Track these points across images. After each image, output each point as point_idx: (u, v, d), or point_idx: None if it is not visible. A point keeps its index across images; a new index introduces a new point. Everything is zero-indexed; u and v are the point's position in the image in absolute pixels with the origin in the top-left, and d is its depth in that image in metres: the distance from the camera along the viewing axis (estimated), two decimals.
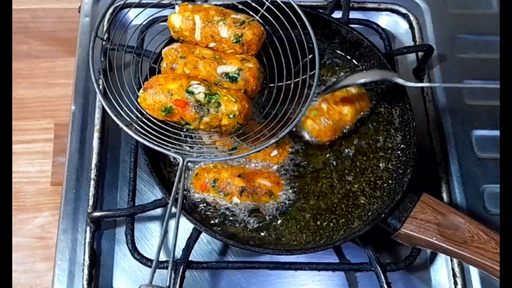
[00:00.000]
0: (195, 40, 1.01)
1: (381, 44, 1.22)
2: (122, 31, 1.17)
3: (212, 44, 1.01)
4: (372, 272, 1.00)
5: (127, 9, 1.19)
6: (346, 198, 1.05)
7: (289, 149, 1.06)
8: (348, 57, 1.18)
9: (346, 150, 1.09)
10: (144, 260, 1.00)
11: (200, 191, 1.01)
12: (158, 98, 0.92)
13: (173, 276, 0.86)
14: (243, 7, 1.06)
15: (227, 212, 1.01)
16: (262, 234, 1.01)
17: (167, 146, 0.92)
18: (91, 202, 1.06)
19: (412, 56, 1.28)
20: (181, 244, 1.00)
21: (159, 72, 1.03)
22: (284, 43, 1.04)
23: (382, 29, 1.25)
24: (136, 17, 1.11)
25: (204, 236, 1.05)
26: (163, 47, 1.03)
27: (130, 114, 0.96)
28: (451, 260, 1.06)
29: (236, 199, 1.00)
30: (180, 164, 0.89)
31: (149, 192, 1.12)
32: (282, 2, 1.04)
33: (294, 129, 1.07)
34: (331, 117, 1.06)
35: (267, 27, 1.04)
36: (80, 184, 1.09)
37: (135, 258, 1.01)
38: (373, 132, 1.11)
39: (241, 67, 0.97)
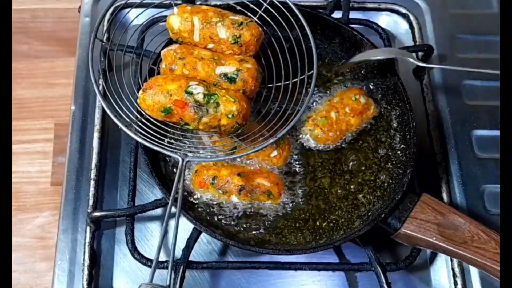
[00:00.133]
0: (194, 41, 1.01)
1: (381, 44, 1.22)
2: (121, 32, 1.17)
3: (210, 45, 1.01)
4: (372, 272, 1.00)
5: (127, 10, 1.19)
6: (346, 198, 1.05)
7: (289, 150, 1.06)
8: (348, 57, 1.18)
9: (346, 151, 1.09)
10: (144, 260, 1.00)
11: (199, 188, 1.01)
12: (157, 99, 0.93)
13: (173, 276, 0.85)
14: (241, 9, 1.06)
15: (227, 212, 1.01)
16: (262, 234, 1.01)
17: (167, 146, 0.93)
18: (91, 202, 1.06)
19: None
20: (181, 244, 1.00)
21: (158, 73, 1.04)
22: (282, 43, 1.05)
23: (382, 29, 1.25)
24: (136, 17, 1.11)
25: (204, 236, 1.05)
26: (162, 48, 1.03)
27: (130, 114, 0.96)
28: (451, 260, 1.06)
29: (234, 198, 1.00)
30: (180, 164, 0.89)
31: (149, 192, 1.12)
32: (279, 3, 1.04)
33: (298, 136, 1.07)
34: (338, 126, 1.07)
35: (265, 28, 1.04)
36: (80, 184, 1.09)
37: (135, 258, 1.01)
38: (373, 132, 1.11)
39: (240, 67, 0.97)
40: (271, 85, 1.05)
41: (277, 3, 1.04)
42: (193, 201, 1.02)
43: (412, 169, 1.00)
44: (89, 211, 1.05)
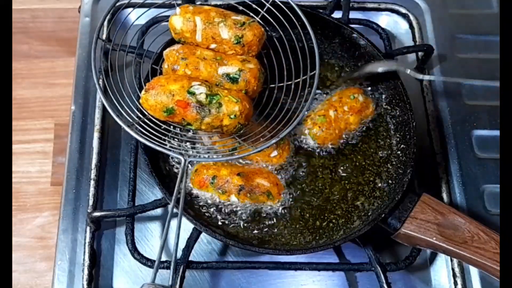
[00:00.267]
0: (196, 42, 1.02)
1: (381, 44, 1.22)
2: (122, 32, 1.17)
3: (213, 45, 1.01)
4: (372, 272, 1.00)
5: (128, 10, 1.18)
6: (346, 198, 1.05)
7: (289, 150, 1.06)
8: (348, 57, 1.18)
9: (346, 151, 1.09)
10: (144, 260, 1.00)
11: (198, 188, 1.01)
12: (159, 99, 0.93)
13: (170, 276, 0.85)
14: (244, 9, 1.06)
15: (227, 212, 1.01)
16: (262, 234, 1.01)
17: (169, 146, 0.93)
18: (91, 202, 1.06)
19: (412, 56, 1.28)
20: (181, 244, 1.00)
21: (161, 73, 1.04)
22: (284, 43, 1.05)
23: (382, 29, 1.25)
24: (138, 18, 1.11)
25: (204, 236, 1.05)
26: (164, 48, 1.03)
27: (132, 114, 0.96)
28: (451, 260, 1.06)
29: (234, 198, 1.00)
30: (182, 164, 0.90)
31: (149, 192, 1.12)
32: (282, 3, 1.04)
33: (297, 136, 1.08)
34: (337, 125, 1.07)
35: (267, 28, 1.04)
36: (80, 184, 1.09)
37: (135, 258, 1.01)
38: (373, 132, 1.11)
39: (242, 68, 0.97)
40: (273, 86, 1.05)
41: (279, 3, 1.04)
42: (193, 200, 1.02)
43: (412, 169, 1.00)
44: (89, 211, 1.05)
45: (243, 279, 1.05)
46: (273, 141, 0.93)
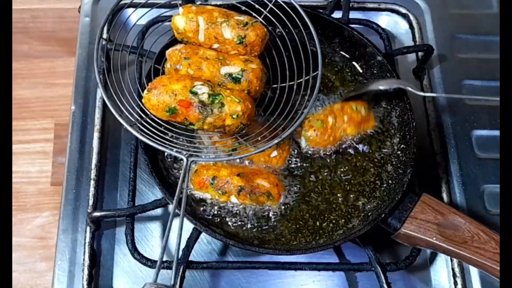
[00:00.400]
0: (199, 41, 1.02)
1: (381, 44, 1.22)
2: (124, 32, 1.17)
3: (215, 45, 1.01)
4: (372, 272, 1.00)
5: (130, 10, 1.18)
6: (346, 198, 1.05)
7: (289, 150, 1.06)
8: (348, 57, 1.18)
9: (346, 151, 1.09)
10: (144, 260, 1.00)
11: (198, 188, 1.01)
12: (162, 99, 0.93)
13: (172, 276, 0.85)
14: (246, 9, 1.06)
15: (227, 212, 1.01)
16: (262, 234, 1.01)
17: (171, 145, 0.93)
18: (91, 202, 1.06)
19: (412, 56, 1.28)
20: (181, 244, 1.00)
21: (163, 73, 1.04)
22: (287, 44, 1.05)
23: (382, 29, 1.25)
24: (140, 18, 1.11)
25: (204, 236, 1.05)
26: (167, 48, 1.03)
27: (134, 114, 0.97)
28: (451, 260, 1.06)
29: (234, 199, 1.00)
30: (184, 164, 0.90)
31: (149, 192, 1.12)
32: (284, 3, 1.04)
33: (295, 136, 1.07)
34: (333, 132, 1.06)
35: (270, 28, 1.04)
36: (80, 184, 1.09)
37: (135, 258, 1.01)
38: (373, 132, 1.11)
39: (245, 68, 0.97)
40: (275, 86, 1.05)
41: (281, 3, 1.04)
42: (194, 201, 1.02)
43: (412, 169, 1.00)
44: (89, 211, 1.05)
45: (243, 279, 1.05)
46: (275, 141, 0.93)
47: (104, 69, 1.12)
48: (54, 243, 1.06)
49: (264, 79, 1.00)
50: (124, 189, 1.11)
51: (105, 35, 1.17)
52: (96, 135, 1.12)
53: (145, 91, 0.95)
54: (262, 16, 1.04)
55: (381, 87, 1.10)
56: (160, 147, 0.92)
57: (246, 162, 1.04)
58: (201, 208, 1.02)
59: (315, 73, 1.01)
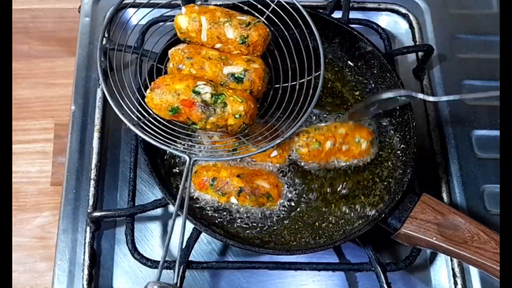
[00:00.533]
0: (202, 41, 1.02)
1: (381, 44, 1.22)
2: (125, 32, 1.17)
3: (218, 45, 1.01)
4: (372, 272, 1.00)
5: (132, 9, 1.18)
6: (346, 198, 1.05)
7: (289, 150, 1.06)
8: (348, 57, 1.18)
9: None
10: (144, 260, 1.00)
11: (198, 189, 1.01)
12: (165, 98, 0.93)
13: (174, 275, 0.86)
14: (249, 9, 1.07)
15: (227, 212, 1.01)
16: (262, 234, 1.01)
17: (174, 145, 0.93)
18: (91, 202, 1.06)
19: (412, 56, 1.28)
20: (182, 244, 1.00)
21: (166, 72, 1.04)
22: (289, 44, 1.05)
23: (382, 29, 1.25)
24: (143, 18, 1.11)
25: (204, 236, 1.05)
26: (169, 48, 1.03)
27: (137, 113, 0.97)
28: (451, 260, 1.06)
29: (233, 200, 1.00)
30: (187, 163, 0.90)
31: (149, 192, 1.12)
32: (286, 3, 1.04)
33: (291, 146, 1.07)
34: (327, 156, 1.04)
35: (272, 28, 1.04)
36: (80, 184, 1.09)
37: (135, 258, 1.01)
38: (373, 132, 1.11)
39: (247, 67, 0.98)
40: (278, 86, 1.05)
41: (284, 3, 1.04)
42: (193, 201, 1.02)
43: (412, 169, 1.00)
44: (89, 211, 1.05)
45: (243, 279, 1.05)
46: (278, 141, 0.94)
47: (107, 69, 1.11)
48: (54, 243, 1.06)
49: (266, 79, 1.00)
50: (124, 189, 1.11)
51: (106, 35, 1.17)
52: (96, 135, 1.12)
53: (148, 91, 0.95)
54: (264, 16, 1.04)
55: (385, 95, 1.04)
56: (163, 147, 0.92)
57: (246, 163, 1.04)
58: (201, 209, 1.02)
59: (317, 73, 1.01)
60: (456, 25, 1.31)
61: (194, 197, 1.02)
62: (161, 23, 1.17)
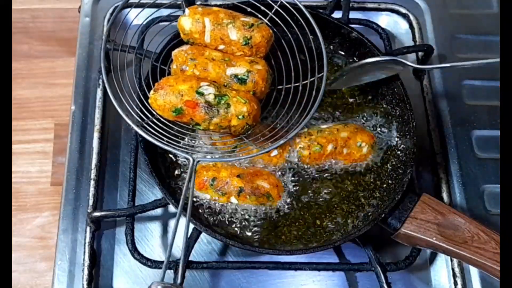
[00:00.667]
0: (205, 42, 1.02)
1: (381, 44, 1.22)
2: (128, 32, 1.17)
3: (221, 47, 1.02)
4: (372, 272, 1.00)
5: (133, 10, 1.18)
6: (346, 198, 1.05)
7: (289, 150, 1.06)
8: (348, 57, 1.18)
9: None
10: (144, 260, 1.00)
11: (198, 189, 1.01)
12: (168, 99, 0.94)
13: (178, 275, 0.86)
14: (252, 10, 1.07)
15: (227, 212, 1.01)
16: (262, 234, 1.01)
17: (177, 146, 0.93)
18: (91, 202, 1.06)
19: (412, 56, 1.28)
20: (181, 244, 1.00)
21: (169, 73, 1.04)
22: (292, 45, 1.05)
23: (382, 29, 1.25)
24: (146, 19, 1.11)
25: (204, 236, 1.05)
26: (172, 49, 1.03)
27: (141, 114, 0.97)
28: (451, 260, 1.06)
29: (233, 200, 1.00)
30: (191, 164, 0.90)
31: (149, 192, 1.12)
32: (289, 4, 1.04)
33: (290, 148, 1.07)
34: (326, 158, 1.05)
35: (275, 29, 1.04)
36: (80, 184, 1.09)
37: (135, 258, 1.01)
38: (373, 133, 1.11)
39: (250, 69, 0.98)
40: (281, 87, 1.05)
41: (286, 4, 1.04)
42: (194, 201, 1.02)
43: (412, 169, 1.00)
44: (89, 211, 1.05)
45: (243, 279, 1.05)
46: (281, 141, 0.94)
47: (111, 69, 1.12)
48: (54, 243, 1.06)
49: (269, 80, 1.01)
50: (124, 189, 1.11)
51: (107, 35, 1.16)
52: (96, 135, 1.12)
53: (152, 91, 0.95)
54: (267, 18, 1.04)
55: (369, 60, 1.07)
56: (166, 147, 0.92)
57: (246, 163, 1.04)
58: (201, 209, 1.02)
59: (320, 75, 1.01)
60: (456, 25, 1.31)
61: (194, 197, 1.02)
62: (161, 23, 1.17)
